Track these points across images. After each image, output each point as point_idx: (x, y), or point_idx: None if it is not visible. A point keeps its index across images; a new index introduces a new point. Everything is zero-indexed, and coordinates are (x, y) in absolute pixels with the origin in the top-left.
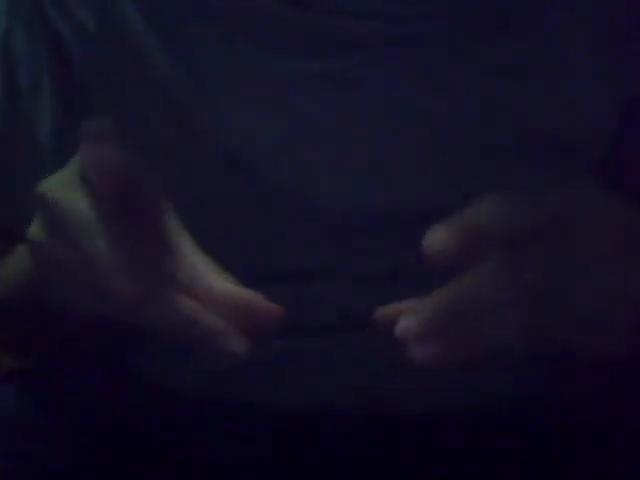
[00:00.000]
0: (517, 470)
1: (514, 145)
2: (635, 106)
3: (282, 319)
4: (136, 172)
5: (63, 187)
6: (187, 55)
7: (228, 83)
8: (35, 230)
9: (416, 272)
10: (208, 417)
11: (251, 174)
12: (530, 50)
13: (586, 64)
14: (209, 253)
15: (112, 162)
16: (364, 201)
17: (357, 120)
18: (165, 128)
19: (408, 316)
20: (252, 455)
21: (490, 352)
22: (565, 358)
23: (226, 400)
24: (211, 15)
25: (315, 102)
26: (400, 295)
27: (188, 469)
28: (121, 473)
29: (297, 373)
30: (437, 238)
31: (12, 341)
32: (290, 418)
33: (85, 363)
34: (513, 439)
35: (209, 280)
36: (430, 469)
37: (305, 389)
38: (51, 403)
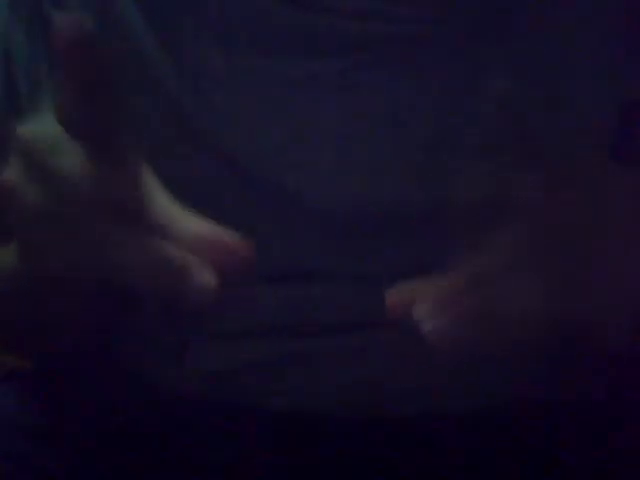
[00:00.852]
0: (517, 470)
1: (514, 145)
2: (635, 106)
3: (253, 259)
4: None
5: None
6: (187, 55)
7: (228, 83)
8: (10, 174)
9: (415, 272)
10: (208, 417)
11: (251, 174)
12: (530, 50)
13: (586, 64)
14: None
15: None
16: (364, 202)
17: (357, 121)
18: (165, 128)
19: (425, 300)
20: (252, 455)
21: (504, 331)
22: (565, 358)
23: (226, 400)
24: (211, 15)
25: (315, 102)
26: None
27: (188, 469)
28: (121, 473)
29: (297, 373)
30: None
31: (12, 341)
32: (290, 418)
33: (85, 363)
34: (513, 439)
35: (183, 220)
36: (430, 469)
37: (305, 389)
38: (51, 403)
